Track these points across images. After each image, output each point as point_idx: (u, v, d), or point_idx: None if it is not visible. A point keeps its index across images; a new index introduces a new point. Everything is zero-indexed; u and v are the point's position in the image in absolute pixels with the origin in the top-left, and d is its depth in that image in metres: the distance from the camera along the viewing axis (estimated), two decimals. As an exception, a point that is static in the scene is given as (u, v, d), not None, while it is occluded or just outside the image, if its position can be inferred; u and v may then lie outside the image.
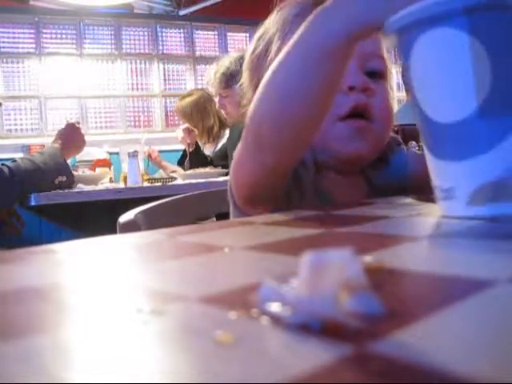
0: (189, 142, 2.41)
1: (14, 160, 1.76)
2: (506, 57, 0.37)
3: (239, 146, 0.56)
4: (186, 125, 2.46)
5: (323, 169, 0.66)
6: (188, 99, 2.58)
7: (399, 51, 0.43)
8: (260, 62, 0.70)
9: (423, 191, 0.45)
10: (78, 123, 2.02)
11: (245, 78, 0.73)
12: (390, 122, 0.67)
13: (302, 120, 0.50)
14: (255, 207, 0.58)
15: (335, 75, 0.49)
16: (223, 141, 2.48)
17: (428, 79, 0.40)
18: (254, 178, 0.55)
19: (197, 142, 2.46)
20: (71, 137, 1.93)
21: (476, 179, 0.38)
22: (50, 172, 1.79)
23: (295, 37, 0.49)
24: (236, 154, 0.58)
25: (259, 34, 0.70)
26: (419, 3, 0.39)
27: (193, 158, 2.38)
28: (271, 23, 0.69)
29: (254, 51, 0.71)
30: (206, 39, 3.66)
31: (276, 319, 0.17)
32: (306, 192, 0.62)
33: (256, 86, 0.70)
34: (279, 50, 0.66)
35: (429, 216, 0.43)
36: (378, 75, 0.66)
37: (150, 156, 2.59)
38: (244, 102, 0.74)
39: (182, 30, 3.53)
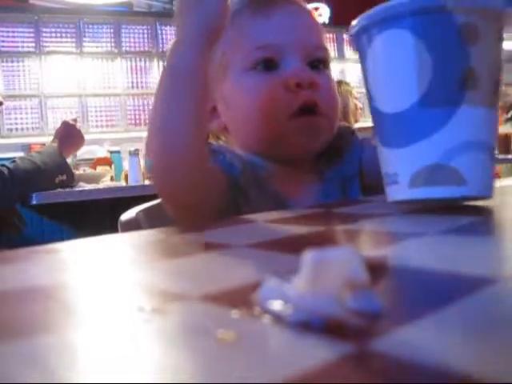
0: None
1: (13, 160, 1.76)
2: (443, 53, 0.41)
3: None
4: None
5: (275, 168, 0.68)
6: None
7: (359, 53, 0.46)
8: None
9: (379, 175, 0.46)
10: (75, 121, 2.01)
11: None
12: (337, 111, 0.69)
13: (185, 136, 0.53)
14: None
15: (201, 89, 0.54)
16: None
17: (378, 75, 0.45)
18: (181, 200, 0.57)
19: None
20: (68, 134, 1.92)
21: (416, 163, 0.42)
22: (49, 171, 1.79)
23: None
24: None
25: None
26: (377, 6, 0.43)
27: None
28: None
29: None
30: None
31: (277, 317, 0.17)
32: (251, 195, 0.62)
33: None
34: (223, 52, 0.66)
35: (429, 213, 0.43)
36: (321, 64, 0.68)
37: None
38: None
39: (181, 28, 3.52)
